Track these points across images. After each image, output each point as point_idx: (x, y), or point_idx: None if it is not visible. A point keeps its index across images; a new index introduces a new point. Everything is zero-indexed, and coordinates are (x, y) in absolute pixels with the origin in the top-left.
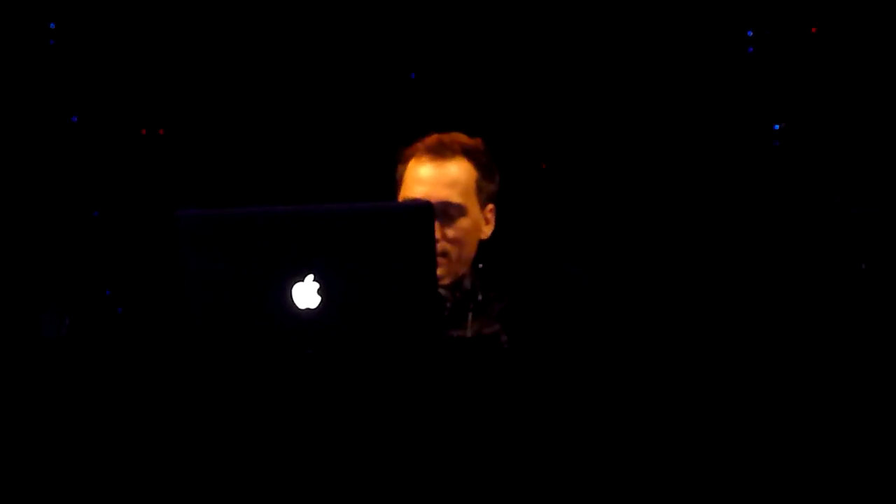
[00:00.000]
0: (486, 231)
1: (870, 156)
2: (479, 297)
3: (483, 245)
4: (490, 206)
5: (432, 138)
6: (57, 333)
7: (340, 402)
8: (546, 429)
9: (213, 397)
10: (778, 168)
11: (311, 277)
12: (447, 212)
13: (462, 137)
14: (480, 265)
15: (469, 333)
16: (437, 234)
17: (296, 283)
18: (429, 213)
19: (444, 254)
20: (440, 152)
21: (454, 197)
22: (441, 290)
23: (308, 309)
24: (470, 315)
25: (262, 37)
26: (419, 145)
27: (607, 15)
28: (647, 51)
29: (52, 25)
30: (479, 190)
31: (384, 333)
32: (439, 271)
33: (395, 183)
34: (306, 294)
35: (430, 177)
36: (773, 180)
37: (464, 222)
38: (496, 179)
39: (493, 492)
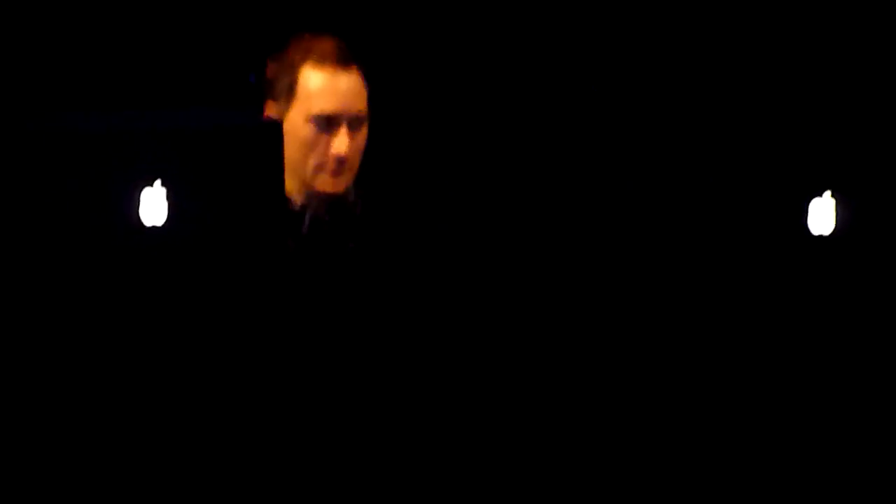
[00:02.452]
0: None
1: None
2: (358, 210)
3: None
4: None
5: (317, 45)
6: None
7: (189, 316)
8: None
9: (55, 310)
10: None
11: (158, 193)
12: (357, 123)
13: (335, 40)
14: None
15: (348, 246)
16: (347, 147)
17: (143, 198)
18: (278, 131)
19: (351, 166)
20: (340, 60)
21: (362, 106)
22: (322, 206)
23: (154, 226)
24: (350, 230)
25: None
26: (303, 54)
27: None
28: None
29: None
30: (367, 95)
31: (232, 249)
32: (344, 184)
33: (268, 88)
34: (153, 210)
35: (340, 87)
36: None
37: (365, 131)
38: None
39: (329, 402)
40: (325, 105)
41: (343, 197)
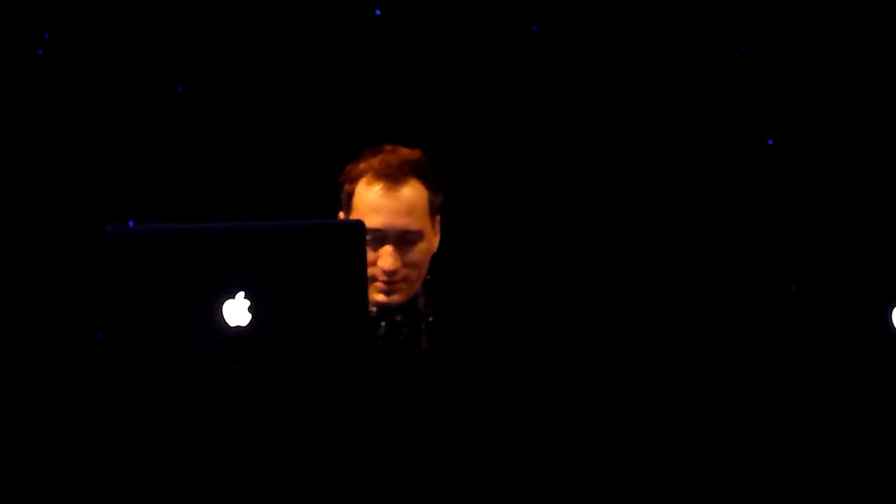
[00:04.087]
0: (436, 243)
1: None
2: (431, 319)
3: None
4: (437, 218)
5: (379, 159)
6: None
7: (268, 419)
8: (468, 445)
9: (139, 415)
10: (709, 184)
11: (241, 295)
12: (407, 239)
13: (406, 153)
14: (428, 277)
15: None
16: (398, 263)
17: (226, 300)
18: (360, 232)
19: (405, 279)
20: (392, 177)
21: (413, 224)
22: (395, 318)
23: (238, 326)
24: (424, 336)
25: (192, 41)
26: (365, 166)
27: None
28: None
29: None
30: (431, 208)
31: (314, 351)
32: (399, 297)
33: (338, 199)
34: (237, 311)
35: (386, 205)
36: (702, 196)
37: (422, 245)
38: (440, 191)
39: None
40: (370, 222)
41: (413, 305)
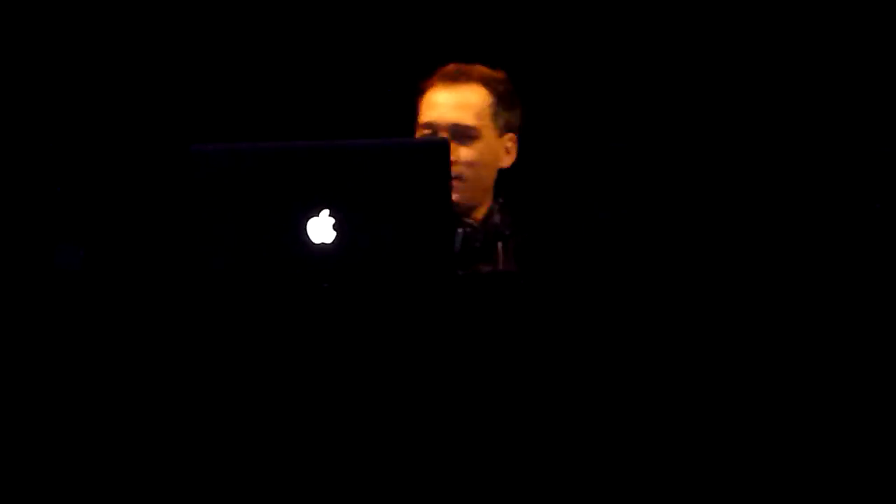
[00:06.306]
0: (506, 160)
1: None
2: (508, 233)
3: (506, 175)
4: (510, 136)
5: (449, 67)
6: (71, 266)
7: (354, 336)
8: (552, 371)
9: (228, 332)
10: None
11: (326, 213)
12: (459, 133)
13: (481, 67)
14: (501, 200)
15: (500, 268)
16: (452, 157)
17: (311, 218)
18: (445, 150)
19: (459, 177)
20: (455, 78)
21: (466, 119)
22: (472, 225)
23: (323, 244)
24: (500, 250)
25: None
26: (436, 75)
27: None
28: None
29: None
30: (495, 115)
31: (398, 269)
32: (455, 195)
33: (415, 117)
34: (321, 229)
35: (443, 101)
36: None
37: (478, 145)
38: (516, 110)
39: (495, 439)
40: (424, 116)
41: (488, 221)
